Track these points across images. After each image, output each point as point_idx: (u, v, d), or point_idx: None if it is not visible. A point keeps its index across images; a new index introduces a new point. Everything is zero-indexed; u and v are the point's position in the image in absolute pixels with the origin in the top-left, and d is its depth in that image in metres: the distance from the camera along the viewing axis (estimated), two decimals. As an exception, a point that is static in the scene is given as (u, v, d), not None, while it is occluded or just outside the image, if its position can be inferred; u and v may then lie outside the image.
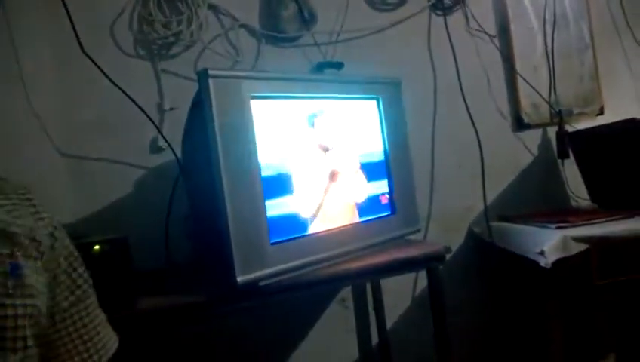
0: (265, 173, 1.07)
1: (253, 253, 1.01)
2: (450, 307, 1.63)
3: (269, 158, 1.08)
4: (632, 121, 1.35)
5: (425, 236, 1.70)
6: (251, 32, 1.63)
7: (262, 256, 1.02)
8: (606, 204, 1.58)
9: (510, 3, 1.74)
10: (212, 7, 1.60)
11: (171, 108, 1.56)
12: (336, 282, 1.19)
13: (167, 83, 1.57)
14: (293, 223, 1.12)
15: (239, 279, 0.98)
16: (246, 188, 1.01)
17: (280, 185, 1.10)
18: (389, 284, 1.62)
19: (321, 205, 1.20)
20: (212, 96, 0.98)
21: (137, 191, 1.53)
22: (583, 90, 1.78)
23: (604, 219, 1.38)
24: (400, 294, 1.69)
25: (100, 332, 0.73)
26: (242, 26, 1.62)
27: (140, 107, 1.39)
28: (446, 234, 1.71)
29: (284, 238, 1.08)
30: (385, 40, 1.69)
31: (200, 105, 1.01)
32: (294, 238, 1.11)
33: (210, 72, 0.99)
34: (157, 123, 1.50)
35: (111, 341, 0.75)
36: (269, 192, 1.07)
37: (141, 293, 1.07)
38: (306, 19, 1.64)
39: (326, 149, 1.23)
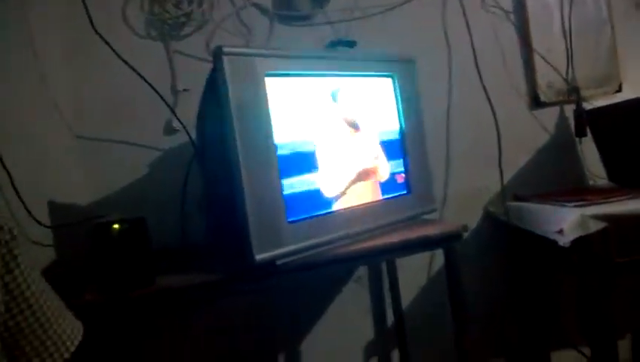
0: (282, 151, 1.06)
1: (270, 231, 1.01)
2: (468, 286, 1.63)
3: (285, 136, 1.07)
4: (652, 97, 1.32)
5: (441, 216, 1.69)
6: (263, 10, 1.61)
7: (279, 234, 1.02)
8: (625, 182, 1.55)
9: (527, -24, 1.70)
10: (223, -15, 1.58)
11: (184, 90, 1.55)
12: (353, 261, 1.19)
13: (180, 64, 1.57)
14: (310, 201, 1.12)
15: (257, 257, 0.98)
16: (262, 166, 1.01)
17: (299, 162, 1.09)
18: (404, 264, 1.62)
19: (343, 183, 1.19)
20: (227, 73, 0.98)
21: (152, 173, 1.54)
22: (600, 67, 1.74)
23: (622, 197, 1.36)
24: (415, 273, 1.69)
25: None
26: (254, 4, 1.60)
27: (153, 88, 1.39)
28: (462, 214, 1.69)
29: (301, 217, 1.08)
30: (398, 17, 1.67)
31: (215, 84, 1.00)
32: (311, 217, 1.11)
33: (225, 50, 0.98)
34: (170, 104, 1.50)
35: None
36: (287, 170, 1.07)
37: (159, 272, 1.08)
38: (319, -3, 1.62)
39: (351, 125, 1.22)
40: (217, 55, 0.99)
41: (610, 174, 1.63)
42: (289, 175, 1.07)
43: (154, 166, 1.54)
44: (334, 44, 1.62)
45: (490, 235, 1.72)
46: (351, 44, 1.61)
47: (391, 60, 1.38)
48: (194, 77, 1.41)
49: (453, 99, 1.70)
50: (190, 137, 1.41)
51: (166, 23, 1.56)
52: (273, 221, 1.02)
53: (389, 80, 1.35)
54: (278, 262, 1.05)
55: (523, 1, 1.71)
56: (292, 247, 1.04)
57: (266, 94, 1.04)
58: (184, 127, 1.44)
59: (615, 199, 1.37)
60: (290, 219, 1.05)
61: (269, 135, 1.03)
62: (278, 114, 1.06)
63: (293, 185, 1.08)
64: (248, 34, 1.60)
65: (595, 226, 1.26)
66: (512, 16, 1.72)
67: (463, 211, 1.70)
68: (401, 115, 1.34)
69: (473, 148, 1.70)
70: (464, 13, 1.67)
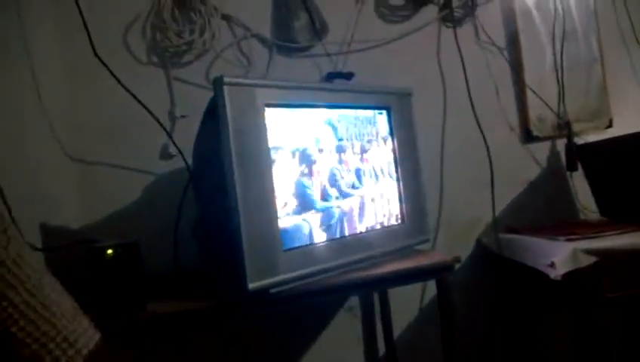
0: (279, 181, 1.07)
1: (265, 259, 1.01)
2: (459, 317, 1.63)
3: (283, 165, 1.09)
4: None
5: (433, 246, 1.70)
6: (263, 41, 1.65)
7: (274, 263, 1.02)
8: (616, 217, 1.58)
9: (520, 16, 1.75)
10: (225, 17, 1.62)
11: (182, 116, 1.57)
12: (346, 291, 1.19)
13: (179, 91, 1.59)
14: (306, 230, 1.12)
15: (250, 285, 0.98)
16: (259, 195, 1.02)
17: (296, 191, 1.11)
18: (396, 294, 1.62)
19: (339, 212, 1.20)
20: (227, 102, 0.99)
21: (146, 197, 1.54)
22: (591, 103, 1.78)
23: (613, 232, 1.38)
24: (408, 303, 1.69)
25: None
26: (254, 35, 1.64)
27: (151, 113, 1.40)
28: (454, 245, 1.71)
29: (296, 245, 1.09)
30: (395, 51, 1.71)
31: (214, 112, 1.02)
32: (307, 246, 1.12)
33: (226, 79, 1.00)
34: (168, 129, 1.51)
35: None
36: (284, 199, 1.07)
37: (152, 298, 1.07)
38: (318, 29, 1.66)
39: (348, 156, 1.24)
40: (218, 84, 1.01)
41: (602, 208, 1.65)
42: (285, 203, 1.08)
43: (149, 190, 1.54)
44: (332, 76, 1.66)
45: (482, 267, 1.73)
46: (348, 76, 1.65)
47: (387, 93, 1.40)
48: (192, 104, 1.43)
49: (448, 132, 1.73)
50: (186, 162, 1.42)
51: (167, 51, 1.59)
52: (269, 249, 1.02)
53: (385, 112, 1.38)
54: (272, 291, 1.05)
55: (516, 38, 1.76)
56: (287, 276, 1.04)
57: (265, 124, 1.05)
58: (180, 153, 1.45)
59: (606, 234, 1.38)
60: (286, 248, 1.05)
61: (267, 164, 1.04)
62: (277, 143, 1.08)
63: (289, 212, 1.09)
64: (248, 64, 1.63)
65: (587, 261, 1.27)
66: (505, 52, 1.76)
67: (455, 242, 1.72)
68: (396, 146, 1.36)
69: (466, 181, 1.72)
70: (459, 49, 1.71)
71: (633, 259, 1.29)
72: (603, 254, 1.28)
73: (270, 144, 1.06)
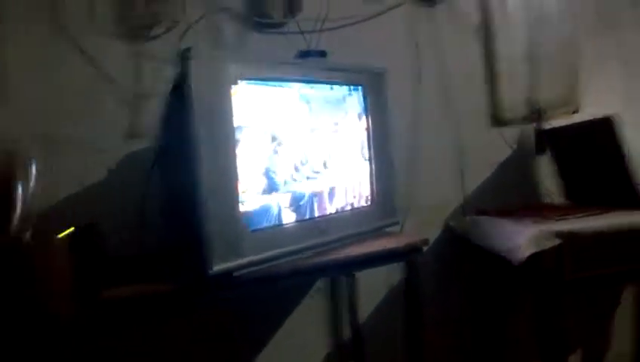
0: (246, 159, 1.05)
1: (230, 241, 0.99)
2: (426, 300, 1.65)
3: (252, 144, 1.06)
4: (607, 118, 1.37)
5: (402, 229, 1.71)
6: (235, 15, 1.60)
7: (238, 244, 1.01)
8: (580, 201, 1.61)
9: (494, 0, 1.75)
10: (196, -13, 1.56)
11: (150, 93, 1.52)
12: (313, 274, 1.18)
13: (147, 66, 1.53)
14: (274, 210, 1.11)
15: (213, 268, 0.96)
16: (225, 174, 1.00)
17: (264, 171, 1.08)
18: (363, 276, 1.62)
19: (309, 191, 1.19)
20: (193, 77, 0.96)
21: (112, 178, 1.49)
22: (562, 86, 1.80)
23: (577, 215, 1.40)
24: (374, 286, 1.69)
25: None
26: (226, 9, 1.59)
27: (116, 89, 1.35)
28: (423, 228, 1.71)
29: (263, 226, 1.07)
30: (370, 30, 1.68)
31: (180, 88, 0.99)
32: (275, 226, 1.10)
33: (193, 52, 0.97)
34: (134, 107, 1.46)
35: None
36: (251, 178, 1.05)
37: (112, 281, 1.04)
38: (292, 5, 1.62)
39: (320, 133, 1.22)
40: (184, 58, 0.97)
41: (567, 192, 1.69)
42: (252, 182, 1.06)
43: (115, 170, 1.49)
44: (305, 54, 1.63)
45: (450, 249, 1.75)
46: (322, 53, 1.62)
47: (361, 71, 1.39)
48: (161, 80, 1.38)
49: (420, 113, 1.72)
50: (153, 142, 1.38)
51: (134, 23, 1.53)
52: (233, 231, 1.00)
53: (360, 88, 1.36)
54: (236, 274, 1.03)
55: (490, 22, 1.75)
56: (251, 258, 1.03)
57: (233, 101, 1.02)
58: (147, 131, 1.41)
59: (570, 217, 1.41)
60: (252, 228, 1.04)
61: (234, 143, 1.02)
62: (247, 121, 1.05)
63: (256, 192, 1.07)
64: (219, 38, 1.58)
65: (550, 243, 1.29)
66: (479, 34, 1.75)
67: (424, 225, 1.72)
68: (370, 125, 1.35)
69: (437, 163, 1.73)
70: (433, 30, 1.69)
71: (596, 242, 1.32)
72: (566, 237, 1.30)
73: (239, 122, 1.03)
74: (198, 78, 0.97)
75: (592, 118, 1.48)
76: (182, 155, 1.01)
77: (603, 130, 1.39)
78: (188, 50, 0.96)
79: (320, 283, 1.67)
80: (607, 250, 1.32)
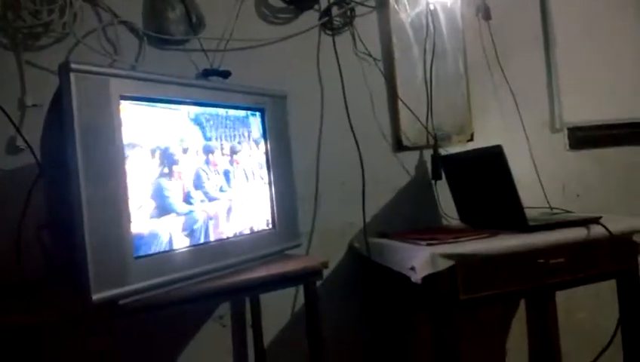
0: (133, 180, 0.99)
1: (113, 268, 0.92)
2: (331, 321, 1.65)
3: (139, 164, 1.00)
4: (496, 147, 1.46)
5: (307, 251, 1.71)
6: (133, 30, 1.54)
7: (123, 271, 0.94)
8: (473, 223, 1.70)
9: (395, 31, 1.82)
10: (89, -1, 1.49)
11: (34, 105, 1.42)
12: (205, 300, 1.12)
13: (32, 76, 1.43)
14: (163, 235, 1.05)
15: (94, 296, 0.89)
16: (109, 197, 0.93)
17: (153, 193, 1.03)
18: (268, 299, 1.59)
19: (204, 215, 1.14)
20: (74, 92, 0.90)
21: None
22: (456, 117, 1.91)
23: (469, 238, 1.47)
24: (279, 309, 1.67)
25: None
26: (123, 22, 1.52)
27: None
28: (328, 249, 1.73)
29: (150, 252, 1.01)
30: (274, 53, 1.69)
31: (60, 103, 0.91)
32: (165, 252, 1.04)
33: (73, 66, 0.90)
34: (16, 120, 1.36)
35: None
36: (138, 201, 0.99)
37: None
38: (194, 23, 1.58)
39: (216, 156, 1.18)
40: (64, 71, 0.90)
41: (461, 215, 1.77)
42: (140, 206, 1.00)
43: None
44: (208, 73, 1.59)
45: (355, 270, 1.77)
46: (225, 74, 1.60)
47: (262, 94, 1.37)
48: (47, 91, 1.28)
49: (324, 137, 1.75)
50: (36, 158, 1.27)
51: (19, 32, 1.42)
52: (117, 257, 0.93)
53: (259, 113, 1.35)
54: (121, 302, 0.96)
55: (391, 52, 1.83)
56: (137, 286, 0.96)
57: (119, 119, 0.97)
58: (29, 147, 1.30)
59: (464, 239, 1.47)
60: (137, 255, 0.97)
61: (119, 163, 0.96)
62: (133, 141, 0.99)
63: (144, 216, 1.01)
64: (114, 53, 1.51)
65: (444, 264, 1.34)
66: (380, 65, 1.82)
67: (329, 246, 1.74)
68: (268, 149, 1.34)
69: (341, 185, 1.75)
70: (337, 57, 1.74)
71: (485, 263, 1.39)
72: (459, 258, 1.36)
73: (125, 141, 0.97)
74: (80, 94, 0.90)
75: (483, 146, 1.58)
76: (63, 175, 0.93)
77: (493, 158, 1.48)
78: (67, 63, 0.89)
79: (223, 309, 1.61)
80: (496, 271, 1.39)
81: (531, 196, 1.87)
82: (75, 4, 1.45)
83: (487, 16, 1.97)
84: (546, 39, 2.08)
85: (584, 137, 2.12)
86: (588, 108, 2.11)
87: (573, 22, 2.10)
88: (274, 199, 1.34)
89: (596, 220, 1.48)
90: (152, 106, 1.06)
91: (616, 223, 1.48)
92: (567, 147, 2.09)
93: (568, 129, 2.09)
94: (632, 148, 2.18)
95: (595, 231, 1.46)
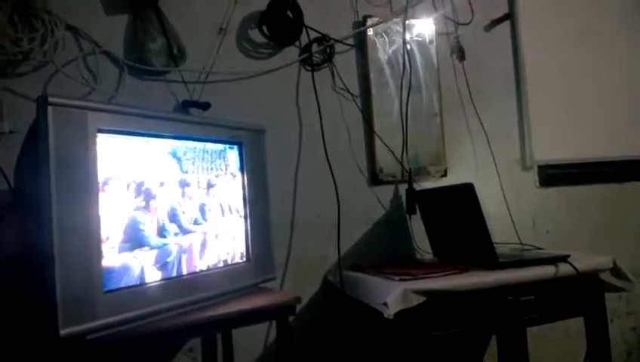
0: (107, 213, 0.99)
1: (82, 302, 0.91)
2: (304, 354, 1.64)
3: (113, 198, 1.00)
4: (468, 185, 1.50)
5: (282, 284, 1.70)
6: (113, 59, 1.55)
7: (92, 306, 0.93)
8: (445, 259, 1.72)
9: (372, 68, 1.88)
10: (71, 28, 1.50)
11: (11, 132, 1.40)
12: (174, 335, 1.10)
13: (10, 103, 1.42)
14: (134, 269, 1.04)
15: (62, 331, 0.88)
16: (80, 229, 0.92)
17: (126, 226, 1.02)
18: (240, 333, 1.57)
19: (178, 249, 1.14)
20: (50, 125, 0.90)
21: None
22: (431, 152, 1.96)
23: (443, 273, 1.49)
24: (252, 343, 1.65)
25: None
26: (104, 52, 1.53)
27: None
28: (303, 282, 1.73)
29: (121, 286, 1.00)
30: (254, 87, 1.72)
31: (36, 133, 0.92)
32: (135, 286, 1.03)
33: (51, 99, 0.91)
34: (-10, 146, 1.34)
35: None
36: (111, 234, 0.99)
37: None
38: (175, 54, 1.60)
39: (193, 190, 1.19)
40: (41, 103, 0.91)
41: (435, 250, 1.80)
42: (112, 239, 0.99)
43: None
44: (188, 104, 1.61)
45: (328, 303, 1.77)
46: (205, 106, 1.62)
47: (241, 128, 1.39)
48: (24, 119, 1.28)
49: (301, 171, 1.77)
50: (9, 184, 1.26)
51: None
52: (87, 291, 0.92)
53: (237, 147, 1.36)
54: (91, 337, 0.94)
55: (368, 88, 1.88)
56: (107, 320, 0.95)
57: (95, 153, 0.97)
58: (3, 173, 1.28)
59: (436, 275, 1.49)
60: (107, 289, 0.96)
61: (92, 196, 0.96)
62: (109, 174, 0.99)
63: (116, 250, 1.00)
64: (94, 82, 1.51)
65: (416, 300, 1.35)
66: (358, 100, 1.87)
67: (304, 280, 1.74)
68: (245, 183, 1.35)
69: (317, 219, 1.76)
70: (316, 92, 1.77)
71: (456, 300, 1.41)
72: (431, 294, 1.37)
73: (100, 174, 0.97)
74: (57, 126, 0.91)
75: (456, 183, 1.62)
76: (34, 204, 0.93)
77: (465, 196, 1.51)
78: (45, 96, 0.90)
79: (194, 342, 1.59)
80: (467, 308, 1.41)
81: (502, 231, 1.92)
82: (57, 33, 1.46)
83: (461, 57, 2.05)
84: (518, 79, 2.16)
85: (554, 175, 2.19)
86: (558, 147, 2.19)
87: (545, 62, 2.19)
88: (249, 233, 1.34)
89: (564, 258, 1.52)
90: (130, 139, 1.07)
91: (584, 261, 1.52)
92: (538, 184, 2.15)
93: (539, 166, 2.16)
94: (601, 186, 2.26)
95: (563, 270, 1.49)
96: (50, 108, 0.90)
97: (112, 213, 1.00)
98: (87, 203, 0.94)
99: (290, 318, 1.30)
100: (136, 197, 1.05)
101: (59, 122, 0.91)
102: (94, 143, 0.96)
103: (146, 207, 1.07)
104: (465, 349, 1.96)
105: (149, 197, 1.08)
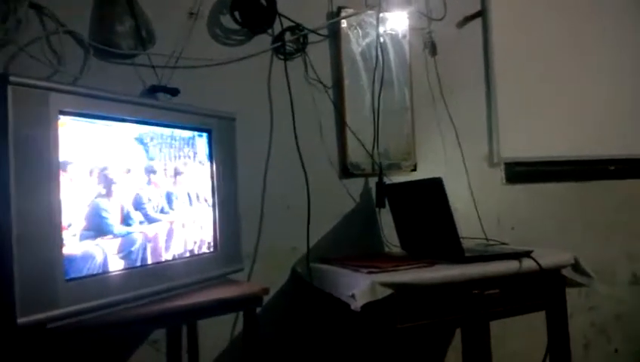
0: (68, 199, 0.95)
1: (42, 290, 0.88)
2: (271, 346, 1.63)
3: (76, 183, 0.97)
4: (437, 180, 1.52)
5: (250, 275, 1.69)
6: (78, 40, 1.49)
7: (52, 294, 0.90)
8: (413, 252, 1.74)
9: (345, 60, 1.87)
10: (35, 6, 1.43)
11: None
12: (137, 325, 1.07)
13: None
14: (97, 257, 1.01)
15: (20, 320, 0.84)
16: (40, 215, 0.89)
17: (88, 213, 0.99)
18: (205, 324, 1.55)
19: (142, 237, 1.10)
20: (10, 106, 0.86)
21: None
22: (401, 146, 1.97)
23: (408, 267, 1.51)
24: (218, 335, 1.63)
25: None
26: (68, 32, 1.48)
27: None
28: (271, 274, 1.71)
29: (83, 274, 0.97)
30: (225, 74, 1.69)
31: (-6, 115, 0.87)
32: (98, 275, 1.00)
33: (12, 78, 0.87)
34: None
35: None
36: (72, 221, 0.95)
37: None
38: (143, 37, 1.56)
39: (159, 177, 1.15)
40: (1, 83, 0.86)
41: (402, 243, 1.81)
42: (74, 226, 0.96)
43: None
44: (156, 89, 1.56)
45: (296, 295, 1.76)
46: (173, 91, 1.58)
47: (210, 115, 1.37)
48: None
49: (271, 161, 1.75)
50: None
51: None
52: (46, 279, 0.89)
53: (206, 135, 1.33)
54: (51, 326, 0.91)
55: (341, 80, 1.87)
56: (67, 309, 0.92)
57: (57, 135, 0.93)
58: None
59: (403, 268, 1.51)
60: (68, 277, 0.93)
61: (54, 180, 0.92)
62: (71, 159, 0.96)
63: (78, 237, 0.97)
64: (58, 64, 1.45)
65: (383, 293, 1.36)
66: (330, 92, 1.86)
67: (273, 271, 1.72)
68: (213, 171, 1.32)
69: (286, 210, 1.75)
70: (288, 82, 1.75)
71: (422, 293, 1.42)
72: (398, 287, 1.38)
73: (61, 158, 0.93)
74: (17, 107, 0.87)
75: (425, 178, 1.63)
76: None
77: (433, 190, 1.53)
78: (5, 75, 0.86)
79: (158, 334, 1.56)
80: (433, 300, 1.43)
81: (469, 227, 1.95)
82: (20, 10, 1.40)
83: (433, 52, 2.06)
84: (488, 76, 2.19)
85: (520, 172, 2.23)
86: (525, 145, 2.23)
87: (515, 60, 2.22)
88: (217, 222, 1.32)
89: (528, 254, 1.56)
90: (94, 123, 1.03)
91: (547, 257, 1.56)
92: (504, 181, 2.20)
93: (505, 163, 2.20)
94: (565, 184, 2.32)
95: (526, 265, 1.53)
96: (10, 88, 0.86)
97: (74, 199, 0.96)
98: (48, 188, 0.90)
99: (258, 310, 1.29)
100: (99, 184, 1.02)
101: (19, 103, 0.87)
102: (56, 126, 0.93)
103: (110, 194, 1.04)
104: (429, 343, 1.99)
105: (112, 183, 1.04)
